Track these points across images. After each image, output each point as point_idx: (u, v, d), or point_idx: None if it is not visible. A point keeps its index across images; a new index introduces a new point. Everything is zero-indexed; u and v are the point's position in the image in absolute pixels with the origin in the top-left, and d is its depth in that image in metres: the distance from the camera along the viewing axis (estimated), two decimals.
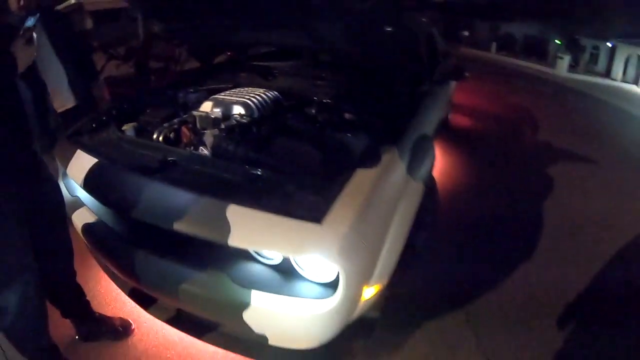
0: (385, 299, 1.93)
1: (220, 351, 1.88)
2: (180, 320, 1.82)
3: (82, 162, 1.84)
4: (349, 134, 1.89)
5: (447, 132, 4.93)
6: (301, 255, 1.37)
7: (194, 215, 1.45)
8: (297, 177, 1.54)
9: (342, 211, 1.40)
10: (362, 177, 1.55)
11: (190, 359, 1.91)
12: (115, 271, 1.81)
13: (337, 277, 1.38)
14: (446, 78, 3.22)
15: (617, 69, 25.58)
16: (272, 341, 1.52)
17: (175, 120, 2.13)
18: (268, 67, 2.82)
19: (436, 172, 2.71)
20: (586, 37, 27.72)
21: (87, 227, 1.84)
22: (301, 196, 1.44)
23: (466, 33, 19.52)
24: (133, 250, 1.64)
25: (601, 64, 27.98)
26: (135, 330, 2.05)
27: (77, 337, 1.96)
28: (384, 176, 1.63)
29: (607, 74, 25.81)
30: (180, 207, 1.47)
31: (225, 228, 1.38)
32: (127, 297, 2.03)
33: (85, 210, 1.92)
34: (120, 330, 2.00)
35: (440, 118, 3.12)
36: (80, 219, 1.88)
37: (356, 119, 2.10)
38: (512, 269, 2.75)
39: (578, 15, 26.63)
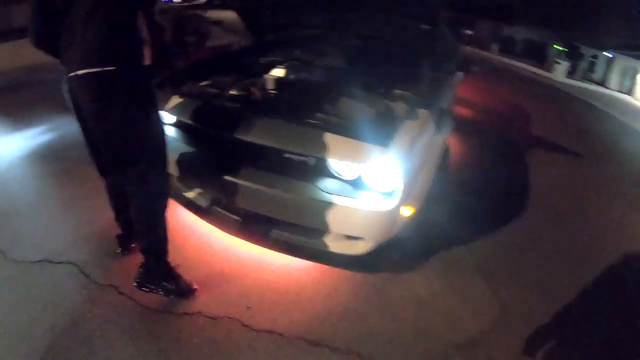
0: (417, 225, 2.74)
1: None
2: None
3: (180, 103, 2.61)
4: (397, 100, 2.70)
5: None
6: (373, 166, 2.17)
7: (298, 139, 2.25)
8: (367, 123, 2.35)
9: (398, 143, 2.21)
10: (408, 126, 2.37)
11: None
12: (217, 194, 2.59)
13: (396, 190, 2.19)
14: (457, 69, 4.08)
15: (614, 78, 27.02)
16: (344, 231, 2.32)
17: (247, 81, 2.89)
18: (320, 46, 3.62)
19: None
20: (586, 46, 29.10)
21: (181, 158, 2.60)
22: (373, 132, 2.25)
23: (469, 32, 20.39)
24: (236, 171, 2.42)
25: (598, 73, 29.33)
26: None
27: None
28: (421, 127, 2.45)
29: (603, 82, 27.28)
30: (284, 134, 2.28)
31: (324, 148, 2.18)
32: None
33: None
34: None
35: (452, 99, 3.98)
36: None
37: (400, 90, 2.90)
38: (511, 227, 3.61)
39: (580, 23, 27.91)
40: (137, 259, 2.35)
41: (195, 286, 2.39)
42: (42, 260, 2.52)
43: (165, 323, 2.20)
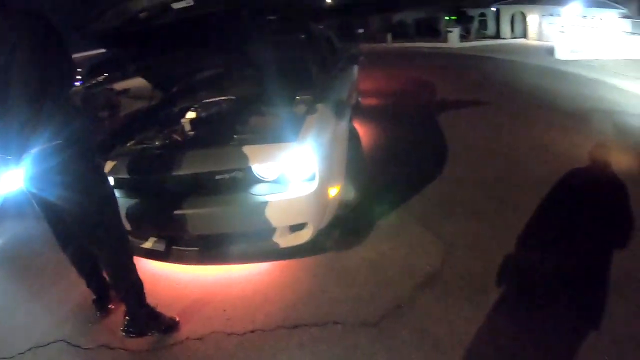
0: (349, 203, 3.15)
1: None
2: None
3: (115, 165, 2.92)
4: (296, 104, 3.12)
5: (360, 112, 6.43)
6: (290, 160, 2.56)
7: (223, 159, 2.63)
8: (274, 128, 2.76)
9: (304, 135, 2.62)
10: (309, 120, 2.79)
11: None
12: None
13: (314, 174, 2.59)
14: (347, 63, 4.63)
15: (505, 28, 29.17)
16: (285, 223, 2.69)
17: (165, 130, 3.25)
18: (216, 84, 4.03)
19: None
20: (471, 7, 31.32)
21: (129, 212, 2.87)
22: (281, 133, 2.65)
23: (361, 30, 21.52)
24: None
25: (490, 28, 31.66)
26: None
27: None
28: (322, 118, 2.88)
29: (497, 35, 29.43)
30: (210, 159, 2.66)
31: (246, 159, 2.56)
32: None
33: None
34: None
35: (349, 90, 4.49)
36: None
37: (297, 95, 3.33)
38: (428, 175, 4.14)
39: None
40: (117, 315, 2.62)
41: (177, 319, 2.64)
42: (31, 348, 2.64)
43: (161, 357, 2.43)
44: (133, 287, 2.47)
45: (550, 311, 2.43)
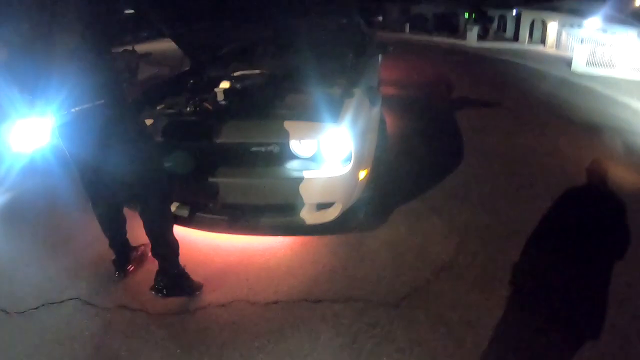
0: (373, 187, 3.28)
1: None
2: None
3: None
4: (333, 86, 3.22)
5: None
6: (328, 140, 2.68)
7: (261, 132, 2.74)
8: (313, 107, 2.85)
9: (344, 117, 2.72)
10: (347, 103, 2.89)
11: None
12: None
13: (349, 155, 2.69)
14: (376, 52, 4.72)
15: (524, 33, 29.16)
16: (315, 200, 2.80)
17: (197, 98, 3.28)
18: (257, 57, 4.11)
19: None
20: (492, 8, 31.31)
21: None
22: (321, 112, 2.74)
23: (380, 18, 21.45)
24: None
25: (509, 31, 31.62)
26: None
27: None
28: (358, 103, 2.98)
29: (516, 39, 29.42)
30: (247, 130, 2.76)
31: (284, 134, 2.66)
32: None
33: None
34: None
35: (377, 78, 4.59)
36: None
37: (335, 78, 3.42)
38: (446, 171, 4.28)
39: None
40: (136, 277, 2.77)
41: (202, 283, 2.75)
42: (45, 304, 2.67)
43: (183, 322, 2.50)
44: (170, 247, 2.58)
45: (551, 310, 2.56)
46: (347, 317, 2.48)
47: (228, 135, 2.79)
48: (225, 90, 3.20)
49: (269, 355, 2.26)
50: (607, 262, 2.94)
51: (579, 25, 22.48)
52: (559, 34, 23.80)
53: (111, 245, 2.82)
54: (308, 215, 2.88)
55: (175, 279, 2.62)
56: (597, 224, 3.42)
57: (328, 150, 2.74)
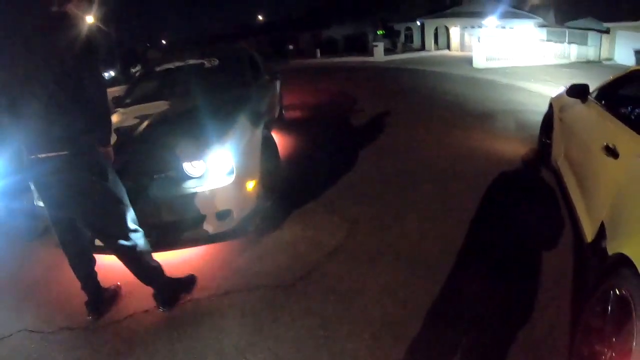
0: (267, 197, 3.85)
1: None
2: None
3: None
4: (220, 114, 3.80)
5: (282, 123, 7.25)
6: (212, 158, 3.23)
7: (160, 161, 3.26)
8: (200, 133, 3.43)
9: (224, 140, 3.31)
10: (229, 128, 3.49)
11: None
12: None
13: (232, 169, 3.27)
14: (270, 79, 5.44)
15: (429, 41, 31.34)
16: (213, 210, 3.32)
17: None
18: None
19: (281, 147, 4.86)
20: (398, 22, 33.45)
21: None
22: (205, 138, 3.32)
23: (291, 47, 22.43)
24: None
25: (416, 41, 33.86)
26: None
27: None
28: (240, 126, 3.59)
29: (423, 47, 31.53)
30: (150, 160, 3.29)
31: (176, 160, 3.21)
32: None
33: None
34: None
35: (268, 103, 5.25)
36: None
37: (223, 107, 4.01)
38: (337, 170, 4.91)
39: (385, 6, 32.18)
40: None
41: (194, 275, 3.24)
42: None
43: (115, 330, 2.86)
44: (154, 273, 2.91)
45: (428, 270, 3.15)
46: (251, 301, 2.95)
47: (136, 166, 3.29)
48: (126, 128, 3.72)
49: (182, 343, 2.68)
50: (473, 222, 3.66)
51: (479, 26, 24.47)
52: (462, 37, 25.83)
53: (83, 288, 2.98)
54: (210, 226, 3.38)
55: (170, 290, 3.01)
56: (474, 197, 4.16)
57: (214, 167, 3.29)
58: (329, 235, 3.70)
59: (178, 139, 3.44)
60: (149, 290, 3.06)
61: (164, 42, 61.41)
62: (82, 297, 3.08)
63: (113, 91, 5.52)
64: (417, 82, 12.27)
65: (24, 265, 3.95)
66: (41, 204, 2.85)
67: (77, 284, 3.20)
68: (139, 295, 3.16)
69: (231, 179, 3.27)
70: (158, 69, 5.54)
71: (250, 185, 3.49)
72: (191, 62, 5.19)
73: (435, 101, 8.79)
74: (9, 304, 3.38)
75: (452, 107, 8.10)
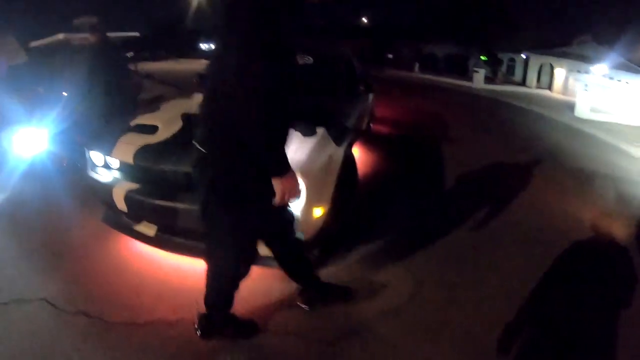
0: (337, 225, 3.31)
1: None
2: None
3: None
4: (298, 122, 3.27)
5: (367, 136, 6.66)
6: None
7: None
8: None
9: (296, 156, 2.77)
10: (306, 142, 2.95)
11: None
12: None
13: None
14: (365, 89, 4.85)
15: (532, 77, 29.35)
16: None
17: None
18: None
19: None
20: (502, 51, 31.62)
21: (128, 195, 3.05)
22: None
23: (390, 56, 21.73)
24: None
25: (517, 74, 31.88)
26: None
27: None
28: (318, 142, 3.04)
29: (523, 82, 29.61)
30: None
31: None
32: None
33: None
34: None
35: (357, 119, 4.66)
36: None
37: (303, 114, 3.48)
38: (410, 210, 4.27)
39: (492, 32, 30.51)
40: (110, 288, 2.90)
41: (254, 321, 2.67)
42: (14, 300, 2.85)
43: (130, 333, 2.58)
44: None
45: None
46: (285, 354, 2.47)
47: (182, 162, 2.85)
48: (187, 116, 3.31)
49: None
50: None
51: (587, 71, 22.50)
52: (566, 79, 23.91)
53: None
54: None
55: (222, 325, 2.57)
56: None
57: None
58: (391, 290, 3.10)
59: None
60: (184, 300, 2.78)
61: None
62: (109, 285, 2.99)
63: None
64: (514, 121, 11.26)
65: (69, 230, 3.80)
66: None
67: (111, 270, 3.18)
68: (171, 302, 2.84)
69: (297, 204, 2.73)
70: None
71: (317, 212, 2.95)
72: None
73: (531, 147, 7.87)
74: (41, 266, 3.29)
75: (549, 159, 7.18)
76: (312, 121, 3.26)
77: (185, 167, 2.83)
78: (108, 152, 3.20)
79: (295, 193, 2.00)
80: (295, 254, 2.68)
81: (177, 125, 3.26)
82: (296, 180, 1.99)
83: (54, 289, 2.96)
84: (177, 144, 3.06)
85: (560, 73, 24.74)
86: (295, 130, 3.07)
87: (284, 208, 2.24)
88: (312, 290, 2.81)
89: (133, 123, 3.43)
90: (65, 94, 5.12)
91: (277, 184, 1.92)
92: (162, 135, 3.16)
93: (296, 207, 2.73)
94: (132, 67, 7.24)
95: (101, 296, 2.88)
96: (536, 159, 6.95)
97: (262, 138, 1.82)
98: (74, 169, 4.62)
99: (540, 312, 2.99)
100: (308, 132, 3.08)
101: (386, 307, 2.90)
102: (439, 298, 3.05)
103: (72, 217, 4.05)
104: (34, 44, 9.73)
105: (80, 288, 2.98)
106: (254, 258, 2.37)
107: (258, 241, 2.37)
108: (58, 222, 3.95)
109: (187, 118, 3.33)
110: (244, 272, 2.36)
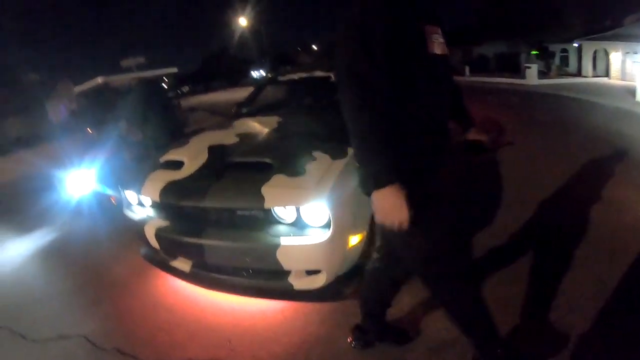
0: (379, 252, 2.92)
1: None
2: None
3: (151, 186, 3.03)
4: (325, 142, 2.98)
5: None
6: (304, 205, 2.46)
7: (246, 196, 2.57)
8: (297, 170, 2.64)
9: (323, 183, 2.48)
10: (334, 166, 2.64)
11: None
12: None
13: (328, 222, 2.43)
14: None
15: (587, 65, 27.21)
16: (296, 267, 2.55)
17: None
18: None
19: None
20: (553, 43, 29.69)
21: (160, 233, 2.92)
22: (302, 178, 2.54)
23: None
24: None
25: (572, 65, 29.73)
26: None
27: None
28: (348, 162, 2.71)
29: (579, 72, 27.51)
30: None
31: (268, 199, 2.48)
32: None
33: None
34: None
35: None
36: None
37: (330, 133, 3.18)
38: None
39: (540, 24, 28.77)
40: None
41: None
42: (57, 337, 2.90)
43: None
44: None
45: None
46: None
47: (218, 200, 2.66)
48: (213, 147, 3.17)
49: None
50: None
51: None
52: (623, 63, 21.88)
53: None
54: (296, 280, 2.64)
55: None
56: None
57: (308, 216, 2.52)
58: (438, 322, 2.58)
59: (271, 172, 2.70)
60: (216, 339, 2.67)
61: (314, 47, 62.83)
62: (144, 322, 2.96)
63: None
64: (574, 115, 10.32)
65: (111, 267, 3.86)
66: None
67: (147, 307, 3.15)
68: (203, 341, 2.69)
69: (327, 234, 2.44)
70: (281, 78, 4.89)
71: (354, 240, 2.64)
72: (318, 73, 4.33)
73: (596, 142, 6.99)
74: (83, 303, 3.37)
75: (615, 151, 6.32)
76: (342, 141, 2.95)
77: (207, 203, 2.65)
78: (138, 190, 3.10)
79: (393, 217, 1.61)
80: (396, 282, 2.36)
81: (203, 158, 3.09)
82: (397, 200, 1.58)
83: (94, 326, 2.99)
84: (201, 178, 2.86)
85: (616, 57, 22.65)
86: (322, 153, 2.80)
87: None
88: (372, 327, 2.41)
89: (162, 159, 3.31)
90: (111, 134, 5.16)
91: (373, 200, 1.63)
92: (188, 170, 3.01)
93: (323, 237, 2.43)
94: (175, 102, 7.29)
95: (136, 333, 2.85)
96: (602, 152, 6.18)
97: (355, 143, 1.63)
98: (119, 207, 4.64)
99: None
100: (338, 154, 2.77)
101: (436, 340, 2.47)
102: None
103: (115, 254, 4.09)
104: (77, 88, 10.11)
105: (117, 325, 2.99)
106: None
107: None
108: (102, 259, 4.02)
109: (213, 149, 3.15)
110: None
